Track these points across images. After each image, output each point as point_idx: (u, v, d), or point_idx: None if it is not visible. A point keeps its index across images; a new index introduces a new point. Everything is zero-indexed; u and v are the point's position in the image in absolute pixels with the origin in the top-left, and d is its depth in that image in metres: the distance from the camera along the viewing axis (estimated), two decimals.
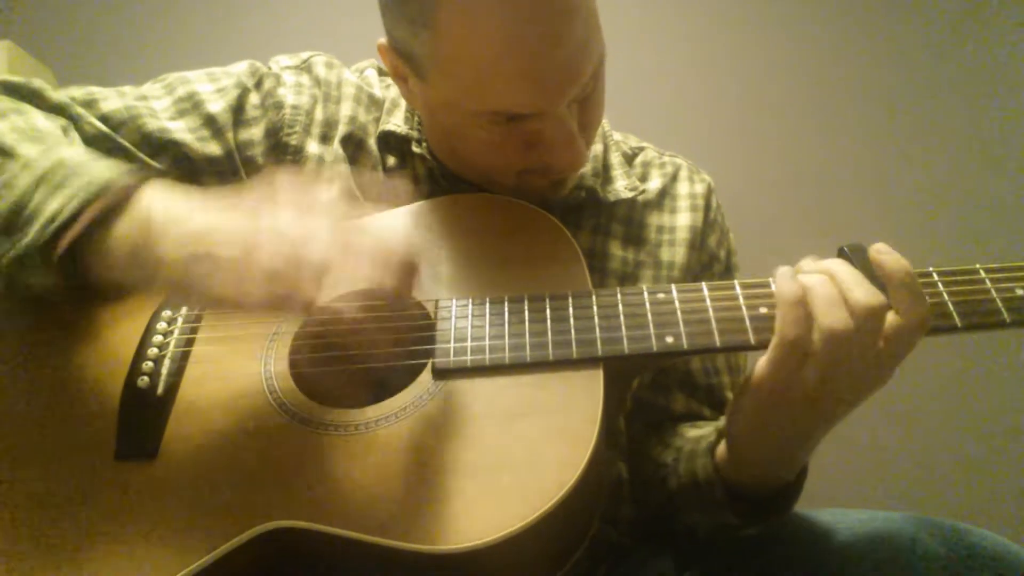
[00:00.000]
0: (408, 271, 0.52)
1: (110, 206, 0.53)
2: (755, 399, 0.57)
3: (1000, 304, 0.58)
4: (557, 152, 0.66)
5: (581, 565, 0.60)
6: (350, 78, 0.80)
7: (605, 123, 0.85)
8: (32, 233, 0.52)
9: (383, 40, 0.70)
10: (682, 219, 0.82)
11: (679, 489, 0.70)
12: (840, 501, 1.26)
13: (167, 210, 0.53)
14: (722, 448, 0.65)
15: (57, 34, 1.42)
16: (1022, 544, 0.60)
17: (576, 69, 0.63)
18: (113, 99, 0.70)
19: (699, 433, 0.73)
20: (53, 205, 0.52)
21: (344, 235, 0.51)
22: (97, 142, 0.67)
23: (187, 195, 0.55)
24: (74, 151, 0.57)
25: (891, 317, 0.54)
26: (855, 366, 0.53)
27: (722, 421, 0.65)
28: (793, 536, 0.64)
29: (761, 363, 0.56)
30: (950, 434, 1.33)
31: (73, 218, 0.52)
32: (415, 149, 0.76)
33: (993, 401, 1.33)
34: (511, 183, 0.71)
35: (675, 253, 0.80)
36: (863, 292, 0.53)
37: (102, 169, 0.54)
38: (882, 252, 0.56)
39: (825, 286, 0.53)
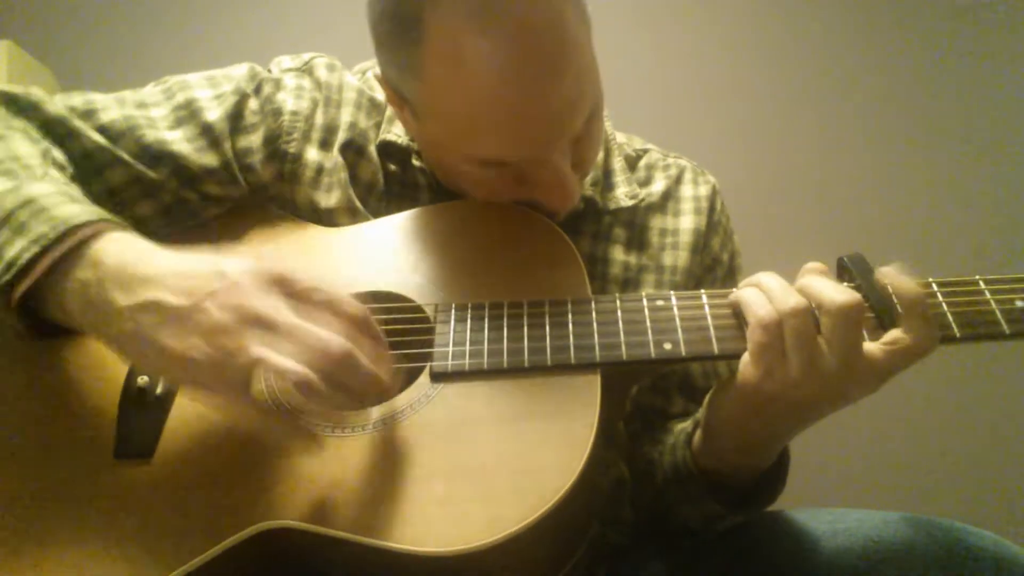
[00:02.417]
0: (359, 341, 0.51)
1: (64, 255, 0.52)
2: (737, 396, 0.58)
3: (999, 315, 0.58)
4: (548, 193, 0.68)
5: (580, 567, 0.60)
6: (352, 82, 0.79)
7: (608, 126, 0.84)
8: None
9: (379, 72, 0.70)
10: (685, 222, 0.82)
11: (665, 482, 0.71)
12: (838, 501, 1.26)
13: (119, 258, 0.52)
14: (698, 437, 0.66)
15: (57, 34, 1.41)
16: (1021, 544, 0.60)
17: (564, 123, 0.63)
18: (112, 108, 0.70)
19: (683, 426, 0.74)
20: (12, 250, 0.52)
21: (301, 289, 0.51)
22: (97, 155, 0.67)
23: (143, 243, 0.54)
24: (43, 187, 0.56)
25: (898, 334, 0.55)
26: (837, 358, 0.54)
27: (700, 412, 0.66)
28: (791, 536, 0.65)
29: (744, 361, 0.57)
30: (949, 434, 1.33)
31: (28, 267, 0.52)
32: (415, 162, 0.76)
33: (992, 401, 1.34)
34: None
35: (678, 257, 0.80)
36: (835, 291, 0.55)
37: (64, 215, 0.53)
38: (889, 276, 0.57)
39: (772, 279, 0.58)
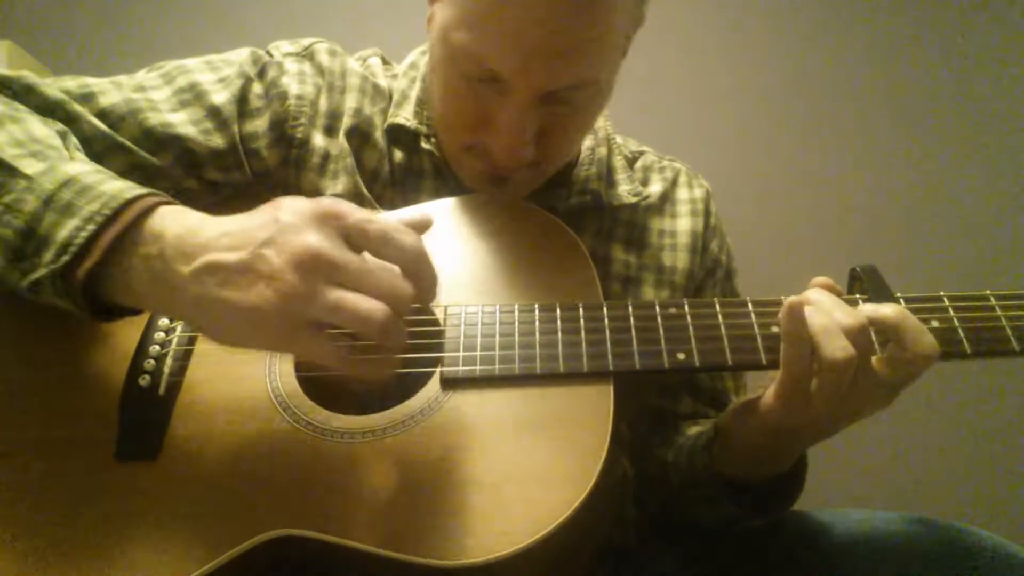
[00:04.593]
0: (430, 277, 0.51)
1: (126, 230, 0.51)
2: (761, 424, 0.59)
3: (1009, 332, 0.59)
4: (500, 137, 0.65)
5: (583, 567, 0.60)
6: (354, 67, 0.77)
7: (608, 126, 0.84)
8: (46, 261, 0.51)
9: None
10: (683, 224, 0.82)
11: (681, 485, 0.72)
12: (840, 501, 1.28)
13: (176, 230, 0.51)
14: (718, 447, 0.67)
15: (57, 34, 1.40)
16: (1020, 544, 0.61)
17: (557, 61, 0.61)
18: (111, 92, 0.68)
19: (699, 430, 0.75)
20: (65, 231, 0.51)
21: (353, 222, 0.49)
22: (97, 141, 0.65)
23: (195, 213, 0.53)
24: (77, 166, 0.55)
25: (896, 351, 0.56)
26: (859, 392, 0.55)
27: (720, 418, 0.67)
28: (793, 536, 0.66)
29: (769, 397, 0.58)
30: (949, 434, 1.35)
31: (88, 245, 0.50)
32: (424, 145, 0.75)
33: (992, 401, 1.35)
34: (456, 154, 0.71)
35: (676, 258, 0.80)
36: (842, 314, 0.54)
37: (112, 190, 0.52)
38: (867, 312, 0.57)
39: (820, 316, 0.55)
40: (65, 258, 0.50)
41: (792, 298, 0.56)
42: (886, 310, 0.56)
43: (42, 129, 0.60)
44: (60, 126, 0.63)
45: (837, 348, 0.53)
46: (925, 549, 0.60)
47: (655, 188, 0.83)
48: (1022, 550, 0.60)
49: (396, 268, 0.50)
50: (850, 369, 0.53)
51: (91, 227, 0.50)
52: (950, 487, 1.32)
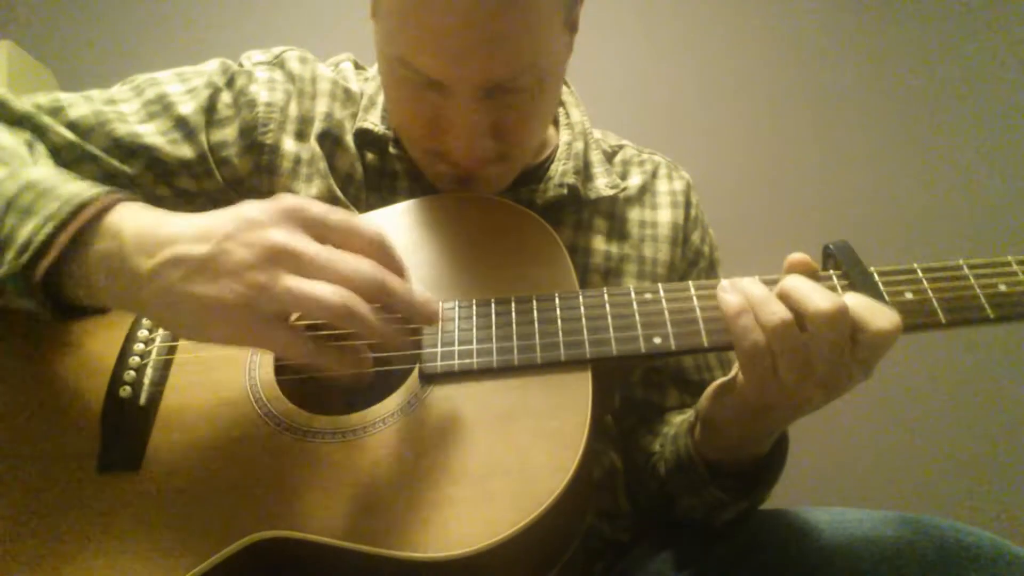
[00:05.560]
0: (391, 255, 0.52)
1: (83, 229, 0.52)
2: (735, 404, 0.60)
3: (984, 300, 0.58)
4: (453, 138, 0.65)
5: (577, 562, 0.60)
6: (325, 72, 0.78)
7: (585, 120, 0.84)
8: (7, 262, 0.51)
9: None
10: (663, 215, 0.82)
11: (668, 473, 0.72)
12: (837, 501, 1.28)
13: (136, 226, 0.52)
14: (699, 430, 0.67)
15: (57, 34, 1.41)
16: (1020, 544, 0.61)
17: (486, 55, 0.60)
18: (80, 105, 0.68)
19: (683, 417, 0.75)
20: (25, 231, 0.51)
21: (314, 215, 0.51)
22: (66, 151, 0.66)
23: (157, 210, 0.54)
24: (40, 171, 0.55)
25: (856, 332, 0.54)
26: (828, 363, 0.54)
27: (700, 400, 0.67)
28: (790, 535, 0.65)
29: (738, 376, 0.58)
30: (946, 434, 1.34)
31: (47, 244, 0.51)
32: (391, 150, 0.75)
33: (990, 401, 1.35)
34: (422, 160, 0.71)
35: (658, 249, 0.80)
36: (820, 297, 0.53)
37: (72, 191, 0.53)
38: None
39: (755, 287, 0.56)
40: (24, 257, 0.51)
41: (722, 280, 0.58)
42: (824, 305, 0.53)
43: (8, 138, 0.61)
44: (27, 135, 0.64)
45: (772, 313, 0.54)
46: (923, 548, 0.59)
47: (634, 181, 0.83)
48: (1020, 550, 0.59)
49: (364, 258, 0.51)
50: (791, 330, 0.53)
51: (50, 226, 0.51)
52: (950, 487, 1.32)
